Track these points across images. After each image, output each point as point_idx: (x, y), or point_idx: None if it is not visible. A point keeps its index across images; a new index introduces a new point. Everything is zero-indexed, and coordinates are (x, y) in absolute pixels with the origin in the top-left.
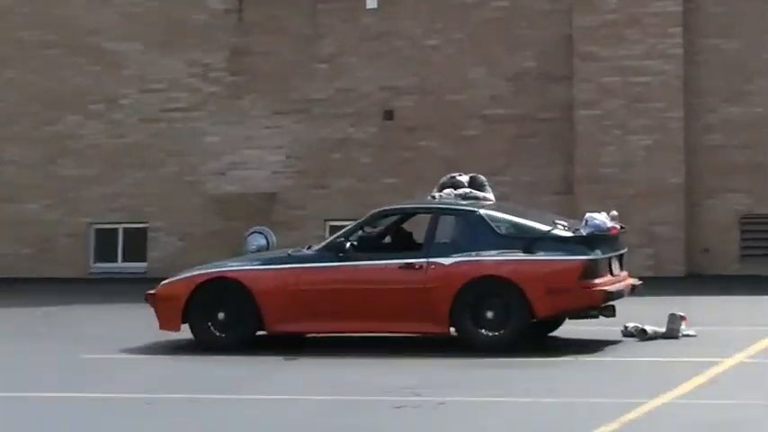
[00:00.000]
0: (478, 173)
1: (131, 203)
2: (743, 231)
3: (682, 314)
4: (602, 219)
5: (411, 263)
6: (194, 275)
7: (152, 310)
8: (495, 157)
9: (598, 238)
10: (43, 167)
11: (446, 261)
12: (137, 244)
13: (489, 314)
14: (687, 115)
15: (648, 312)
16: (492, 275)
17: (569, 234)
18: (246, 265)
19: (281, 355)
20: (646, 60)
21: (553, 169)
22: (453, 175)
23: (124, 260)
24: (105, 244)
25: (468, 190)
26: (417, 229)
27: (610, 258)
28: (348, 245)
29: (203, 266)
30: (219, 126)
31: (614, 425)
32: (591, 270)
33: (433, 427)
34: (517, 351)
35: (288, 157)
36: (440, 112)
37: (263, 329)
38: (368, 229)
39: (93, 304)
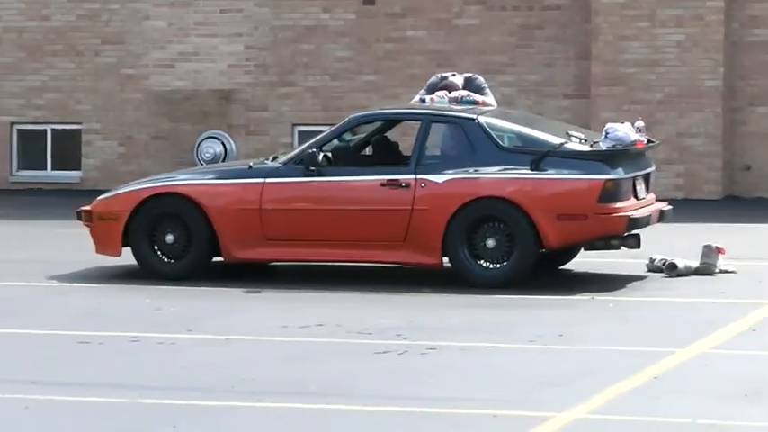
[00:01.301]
0: (476, 72)
1: (60, 99)
2: None
3: (719, 246)
4: (625, 130)
5: (396, 180)
6: (138, 190)
7: (86, 229)
8: (496, 53)
9: (620, 154)
10: None
11: (438, 178)
12: (69, 149)
13: (490, 243)
14: (728, 5)
15: (679, 243)
16: (493, 196)
17: (586, 148)
18: (200, 179)
19: (242, 287)
20: None
21: (565, 68)
22: (446, 74)
23: (54, 168)
24: (31, 148)
25: (464, 93)
26: (404, 139)
27: (634, 178)
28: (321, 157)
29: (149, 179)
30: (164, 8)
31: (638, 378)
32: (612, 192)
33: (420, 376)
34: (521, 287)
35: (247, 48)
36: None
37: (219, 256)
38: (345, 138)
39: (15, 220)
